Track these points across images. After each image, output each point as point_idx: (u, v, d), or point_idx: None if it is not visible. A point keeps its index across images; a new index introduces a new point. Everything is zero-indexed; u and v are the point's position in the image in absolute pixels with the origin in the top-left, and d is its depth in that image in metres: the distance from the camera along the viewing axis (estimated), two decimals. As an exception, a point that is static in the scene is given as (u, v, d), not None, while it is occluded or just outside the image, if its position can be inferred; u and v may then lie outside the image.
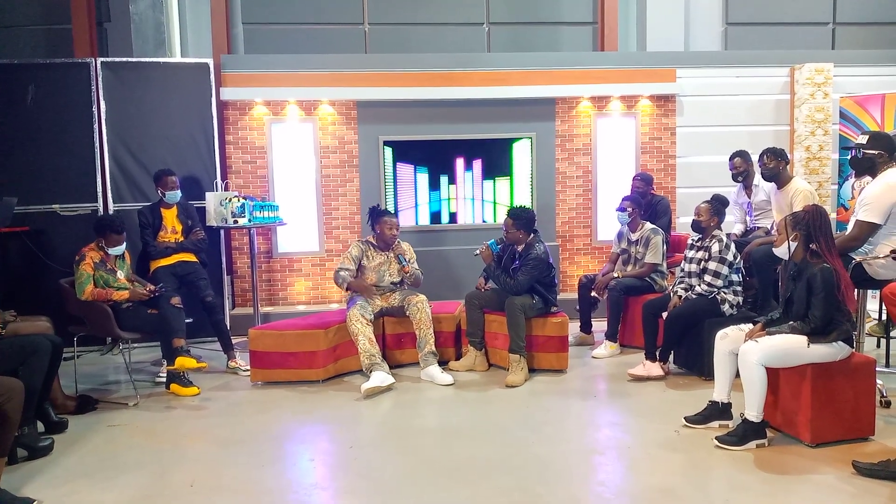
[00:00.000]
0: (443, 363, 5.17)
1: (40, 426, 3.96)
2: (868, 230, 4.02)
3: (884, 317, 5.08)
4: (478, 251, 5.18)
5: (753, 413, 3.59)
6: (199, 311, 5.44)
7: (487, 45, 8.18)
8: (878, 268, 4.04)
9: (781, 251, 3.76)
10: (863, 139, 4.22)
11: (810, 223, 3.62)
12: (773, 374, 3.68)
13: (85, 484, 3.39)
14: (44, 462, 3.65)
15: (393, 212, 5.33)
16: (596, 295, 5.78)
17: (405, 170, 7.05)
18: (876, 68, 7.41)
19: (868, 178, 4.31)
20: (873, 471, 3.21)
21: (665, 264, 5.74)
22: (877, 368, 3.79)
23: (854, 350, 3.71)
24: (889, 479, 3.16)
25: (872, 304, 5.38)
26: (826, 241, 3.61)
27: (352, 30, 8.00)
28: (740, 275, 4.88)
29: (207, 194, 6.04)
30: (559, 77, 7.05)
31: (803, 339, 3.55)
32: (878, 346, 5.19)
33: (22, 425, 3.56)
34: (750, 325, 3.87)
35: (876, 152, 4.14)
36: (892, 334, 4.89)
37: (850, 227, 4.31)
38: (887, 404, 4.10)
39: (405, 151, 7.03)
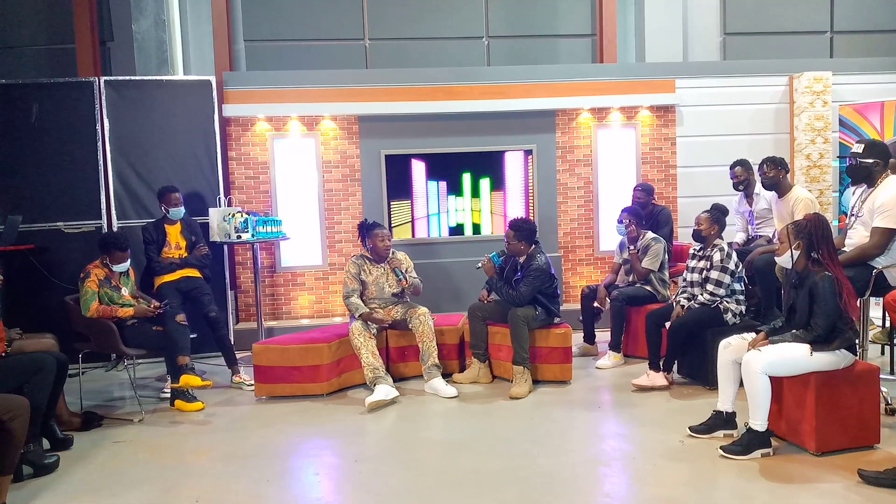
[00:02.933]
0: (446, 375, 5.17)
1: (46, 443, 3.96)
2: (888, 237, 4.05)
3: (887, 324, 5.08)
4: (480, 264, 5.19)
5: (758, 422, 3.59)
6: (203, 326, 5.45)
7: (487, 58, 8.23)
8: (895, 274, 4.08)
9: (784, 260, 3.77)
10: (858, 148, 4.24)
11: (812, 232, 3.63)
12: (777, 383, 3.68)
13: (91, 500, 3.40)
14: (49, 479, 3.65)
15: (384, 224, 5.33)
16: (598, 305, 5.79)
17: (407, 183, 7.09)
18: (874, 76, 7.44)
19: (864, 187, 4.33)
20: (879, 479, 3.20)
21: (667, 273, 5.75)
22: (881, 376, 3.79)
23: (857, 358, 3.71)
24: (895, 488, 3.14)
25: (876, 311, 5.37)
26: (828, 249, 3.61)
27: (352, 45, 8.07)
28: (742, 283, 4.89)
29: (210, 210, 6.07)
30: (559, 89, 7.10)
31: (806, 347, 3.55)
32: (882, 353, 5.19)
33: (27, 442, 3.56)
34: (753, 334, 3.87)
35: (872, 161, 4.16)
36: (895, 341, 4.88)
37: (848, 232, 4.32)
38: (892, 412, 4.09)
39: (407, 165, 7.06)
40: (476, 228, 7.20)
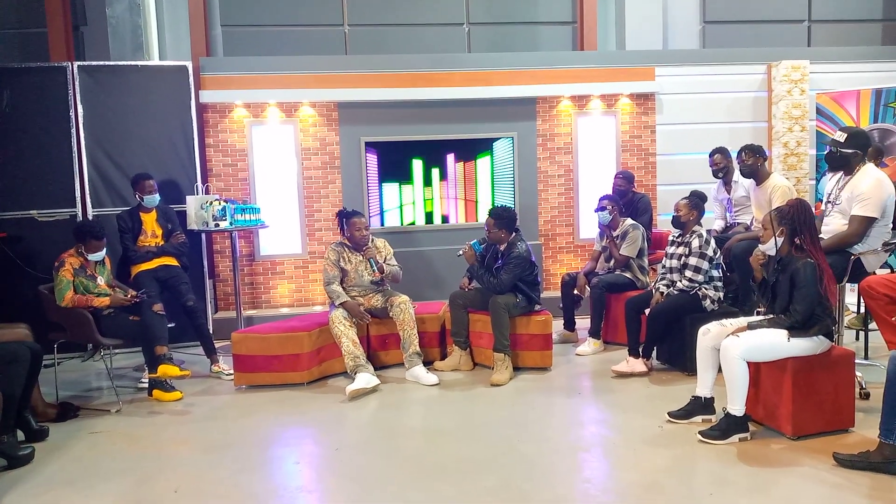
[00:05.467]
0: (428, 363, 5.17)
1: (20, 435, 3.90)
2: (867, 225, 4.12)
3: (862, 310, 5.15)
4: (461, 252, 5.19)
5: (736, 407, 3.63)
6: (181, 315, 5.39)
7: (468, 45, 8.19)
8: (871, 260, 4.14)
9: (768, 247, 3.79)
10: (840, 136, 4.26)
11: (795, 217, 3.66)
12: (755, 369, 3.72)
13: (67, 492, 3.35)
14: (24, 471, 3.60)
15: (362, 212, 5.30)
16: (578, 293, 5.81)
17: (386, 170, 7.05)
18: (851, 65, 7.52)
19: (840, 174, 4.37)
20: (853, 462, 3.25)
21: (646, 260, 5.78)
22: (856, 361, 3.84)
23: (833, 343, 3.76)
24: (869, 470, 3.20)
25: (851, 297, 5.45)
26: (810, 235, 3.64)
27: (332, 31, 7.98)
28: (720, 270, 4.93)
29: (188, 198, 5.99)
30: (539, 77, 7.08)
31: (784, 333, 3.59)
32: (857, 338, 5.26)
33: (1, 434, 3.52)
34: (731, 320, 3.91)
35: (851, 151, 4.20)
36: (870, 327, 4.96)
37: (825, 220, 4.36)
38: (866, 396, 4.16)
39: (387, 152, 7.02)
40: (454, 217, 7.20)
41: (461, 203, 7.19)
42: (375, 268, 5.15)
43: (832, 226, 4.28)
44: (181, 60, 6.62)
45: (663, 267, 5.10)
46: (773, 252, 3.78)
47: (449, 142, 7.08)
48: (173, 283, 5.38)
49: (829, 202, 4.39)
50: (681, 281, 4.86)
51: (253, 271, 6.97)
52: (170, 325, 4.96)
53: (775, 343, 3.59)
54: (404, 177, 7.08)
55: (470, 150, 7.14)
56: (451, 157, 7.11)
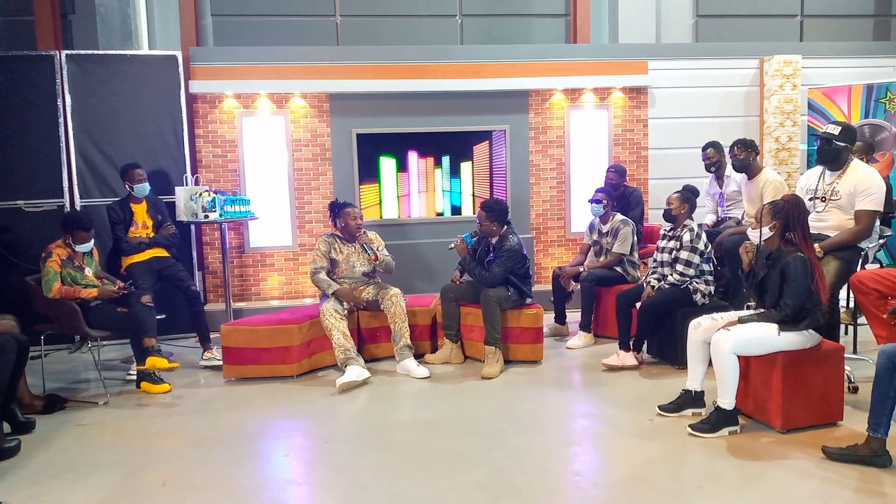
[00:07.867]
0: (418, 356, 5.16)
1: (7, 427, 3.86)
2: (875, 218, 4.17)
3: (852, 304, 5.17)
4: (452, 244, 5.18)
5: (726, 401, 3.63)
6: (171, 307, 5.36)
7: (460, 37, 8.15)
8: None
9: (754, 235, 3.80)
10: (834, 129, 4.22)
11: (789, 212, 3.66)
12: (745, 362, 3.73)
13: (54, 485, 3.33)
14: (10, 463, 3.57)
15: (355, 203, 5.30)
16: (563, 285, 5.81)
17: (378, 162, 7.02)
18: (843, 60, 7.53)
19: (821, 170, 4.35)
20: (842, 455, 3.27)
21: (637, 255, 5.78)
22: (845, 355, 3.86)
23: (824, 338, 3.77)
24: (857, 463, 3.22)
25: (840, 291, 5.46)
26: (802, 231, 3.65)
27: (323, 22, 7.93)
28: (711, 264, 4.93)
29: (177, 189, 5.94)
30: (532, 69, 7.06)
31: (774, 327, 3.59)
32: (846, 332, 5.28)
33: (-13, 426, 3.48)
34: (722, 314, 3.91)
35: (844, 145, 4.21)
36: (859, 321, 4.98)
37: (819, 215, 4.34)
38: (855, 390, 4.18)
39: (378, 144, 6.99)
40: (453, 210, 7.18)
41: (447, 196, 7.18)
42: (370, 251, 5.14)
43: (832, 221, 4.24)
44: (171, 50, 6.55)
45: (654, 261, 5.10)
46: (756, 240, 3.78)
47: (440, 134, 7.05)
48: (171, 273, 5.40)
49: (816, 198, 4.35)
50: (672, 275, 4.86)
51: (243, 263, 6.93)
52: (159, 317, 4.93)
53: (765, 337, 3.60)
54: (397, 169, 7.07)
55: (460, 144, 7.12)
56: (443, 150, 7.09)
